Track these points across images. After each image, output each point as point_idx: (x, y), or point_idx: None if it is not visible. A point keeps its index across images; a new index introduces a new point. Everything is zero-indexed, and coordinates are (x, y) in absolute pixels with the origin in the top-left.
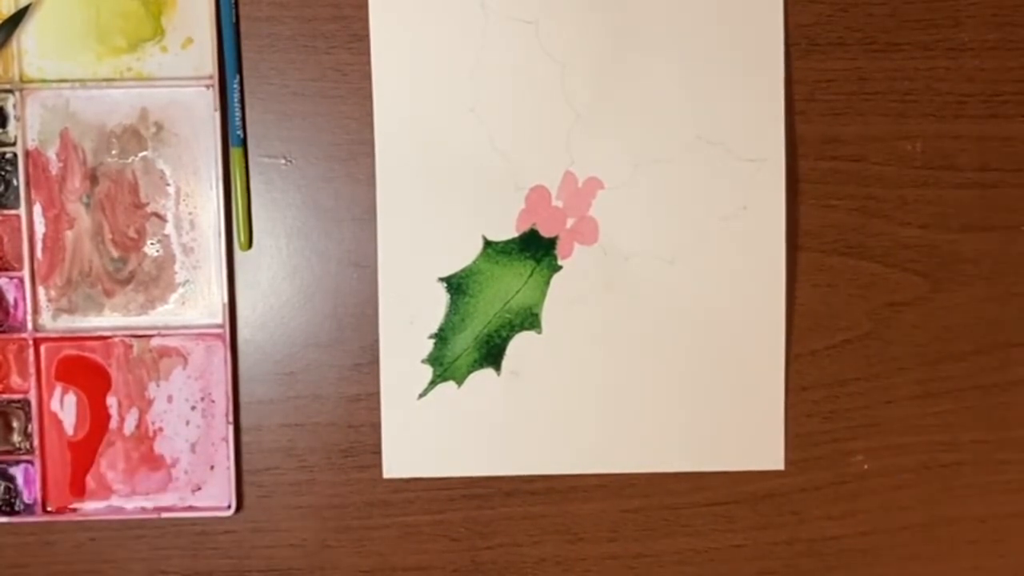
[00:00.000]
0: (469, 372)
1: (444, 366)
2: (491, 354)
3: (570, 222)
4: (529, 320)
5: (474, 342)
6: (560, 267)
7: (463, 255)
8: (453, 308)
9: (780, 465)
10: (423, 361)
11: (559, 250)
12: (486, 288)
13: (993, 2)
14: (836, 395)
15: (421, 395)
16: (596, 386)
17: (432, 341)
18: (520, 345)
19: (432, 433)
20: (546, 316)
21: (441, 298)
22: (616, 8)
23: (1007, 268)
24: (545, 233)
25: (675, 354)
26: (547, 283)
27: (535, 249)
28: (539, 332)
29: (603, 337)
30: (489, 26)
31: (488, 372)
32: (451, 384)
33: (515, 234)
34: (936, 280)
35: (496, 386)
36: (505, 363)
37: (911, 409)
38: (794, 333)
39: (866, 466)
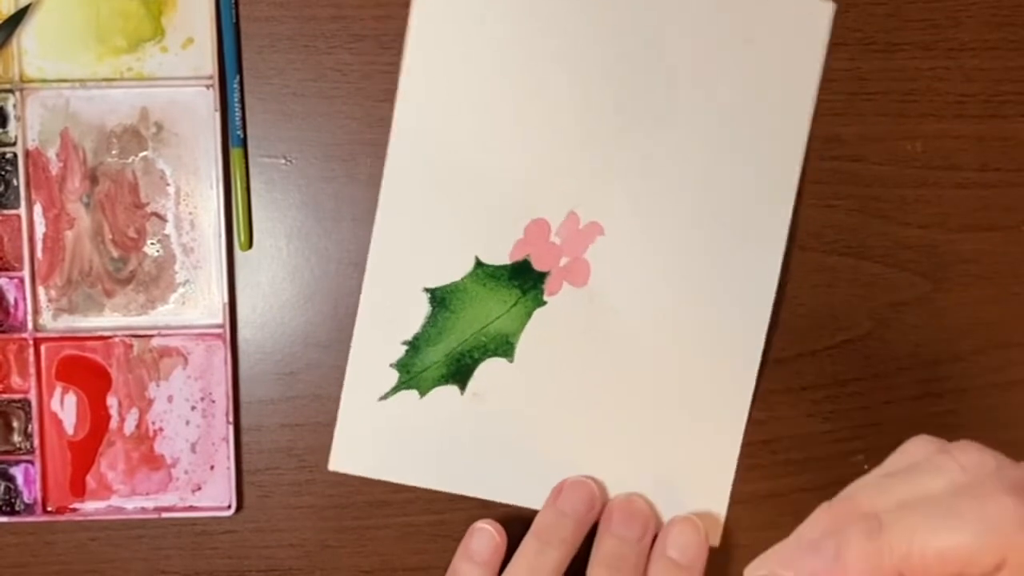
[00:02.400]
0: (434, 385)
1: (411, 374)
2: (459, 372)
3: (564, 260)
4: (503, 348)
5: (445, 357)
6: (545, 302)
7: (453, 271)
8: (432, 320)
9: (717, 541)
10: (391, 365)
11: (547, 285)
12: (468, 308)
13: (993, 2)
14: (836, 395)
15: (382, 397)
16: (556, 424)
17: (404, 348)
18: (489, 370)
19: (385, 436)
20: (521, 347)
21: (422, 308)
22: (653, 60)
23: (1007, 268)
24: (537, 266)
25: (640, 408)
26: (529, 315)
27: (524, 280)
28: (510, 361)
29: (572, 378)
30: (528, 58)
31: (452, 389)
32: (414, 393)
33: (508, 261)
34: (936, 280)
35: (457, 404)
36: (471, 384)
37: (911, 409)
38: (794, 333)
39: (866, 466)
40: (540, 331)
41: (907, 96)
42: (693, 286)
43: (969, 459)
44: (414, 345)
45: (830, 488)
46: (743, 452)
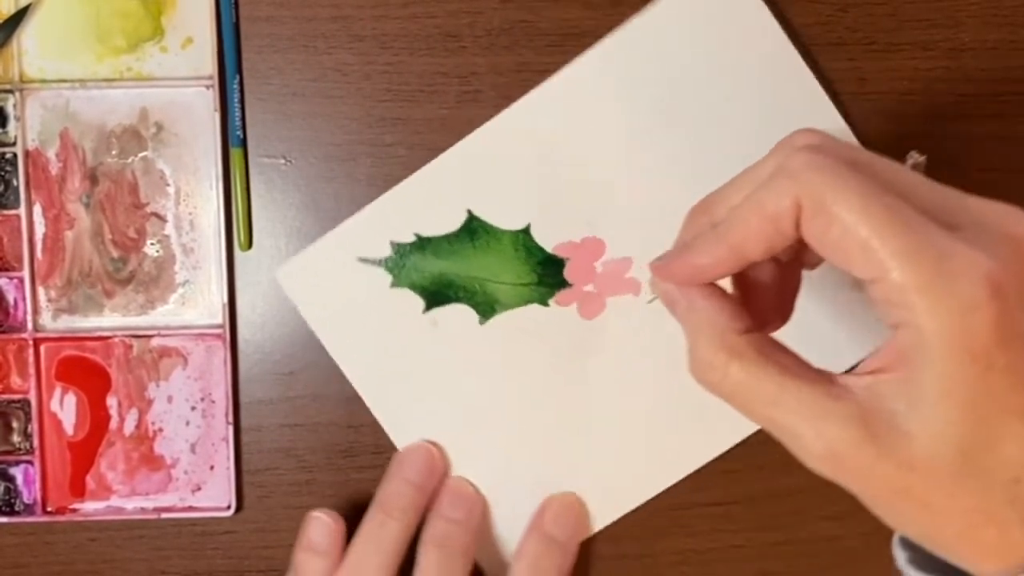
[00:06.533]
0: (407, 286)
1: (401, 262)
2: (436, 295)
3: (590, 287)
4: (484, 308)
5: (436, 274)
6: (548, 305)
7: (500, 219)
8: (453, 238)
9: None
10: (392, 242)
11: (561, 295)
12: (488, 255)
13: (993, 2)
14: None
15: (362, 259)
16: (483, 400)
17: (413, 237)
18: (460, 314)
19: (338, 290)
20: (498, 319)
21: (453, 224)
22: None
23: None
24: (567, 273)
25: (570, 440)
26: (527, 303)
27: (549, 274)
28: (481, 323)
29: (523, 377)
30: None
31: (419, 302)
32: (388, 277)
33: (549, 250)
34: None
35: (414, 316)
36: (437, 310)
37: None
38: None
39: None
40: (525, 324)
41: (907, 96)
42: (678, 394)
43: (799, 135)
44: (422, 243)
45: (830, 487)
46: (744, 452)
